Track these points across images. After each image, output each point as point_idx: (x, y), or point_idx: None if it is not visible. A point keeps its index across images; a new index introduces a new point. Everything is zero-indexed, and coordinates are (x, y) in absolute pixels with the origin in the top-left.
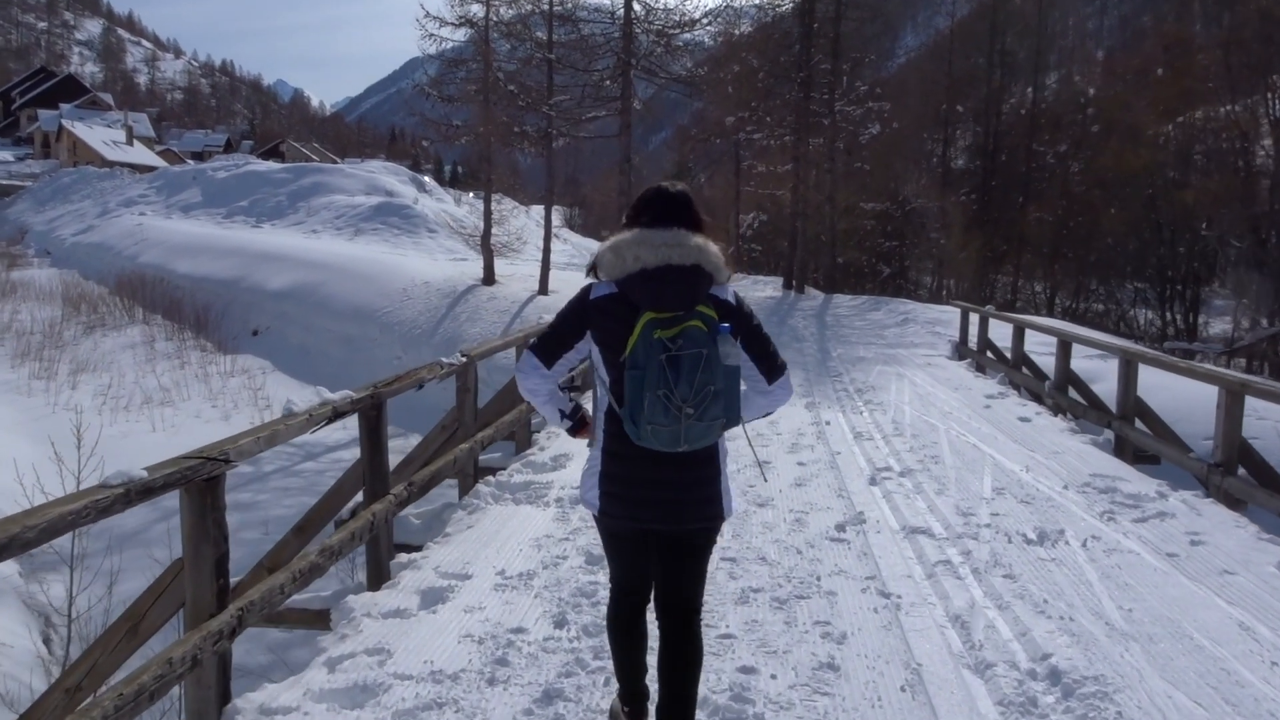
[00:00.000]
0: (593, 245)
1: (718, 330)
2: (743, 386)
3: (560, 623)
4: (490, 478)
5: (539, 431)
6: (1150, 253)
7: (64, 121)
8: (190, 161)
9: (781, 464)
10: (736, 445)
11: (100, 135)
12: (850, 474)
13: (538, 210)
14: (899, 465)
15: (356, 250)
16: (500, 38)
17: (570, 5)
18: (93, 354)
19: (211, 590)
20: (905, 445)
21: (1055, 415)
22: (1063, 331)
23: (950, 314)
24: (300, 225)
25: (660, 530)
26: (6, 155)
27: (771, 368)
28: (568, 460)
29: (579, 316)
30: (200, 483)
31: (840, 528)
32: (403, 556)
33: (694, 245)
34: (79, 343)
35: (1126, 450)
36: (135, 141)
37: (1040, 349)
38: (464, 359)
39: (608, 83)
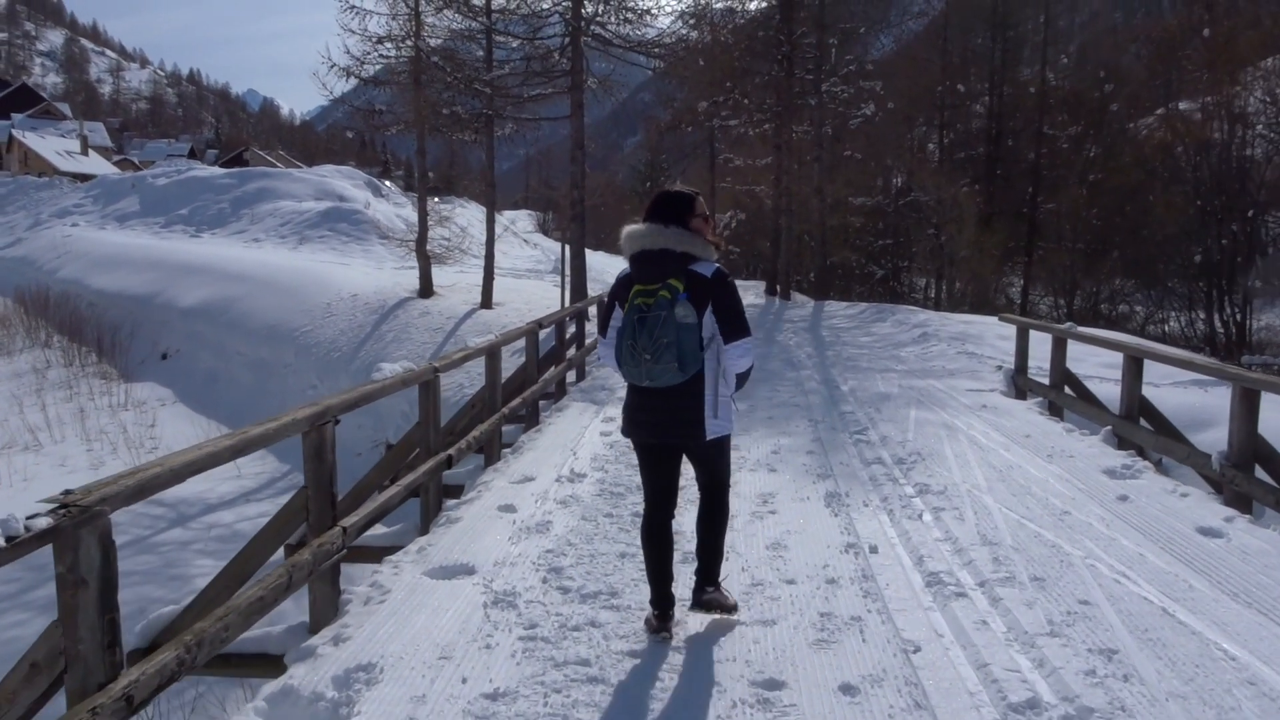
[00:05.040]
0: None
1: (679, 297)
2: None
3: None
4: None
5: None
6: (1196, 244)
7: (14, 131)
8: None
9: (807, 681)
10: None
11: (53, 145)
12: None
13: (511, 216)
14: (1053, 689)
15: (290, 260)
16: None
17: None
18: None
19: None
20: (1030, 611)
21: (1246, 511)
22: (1238, 375)
23: (979, 326)
24: (242, 234)
25: (656, 443)
26: None
27: (729, 331)
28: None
29: (612, 293)
30: None
31: None
32: None
33: (665, 233)
34: None
35: None
36: (90, 151)
37: (1108, 373)
38: (49, 522)
39: (555, 55)
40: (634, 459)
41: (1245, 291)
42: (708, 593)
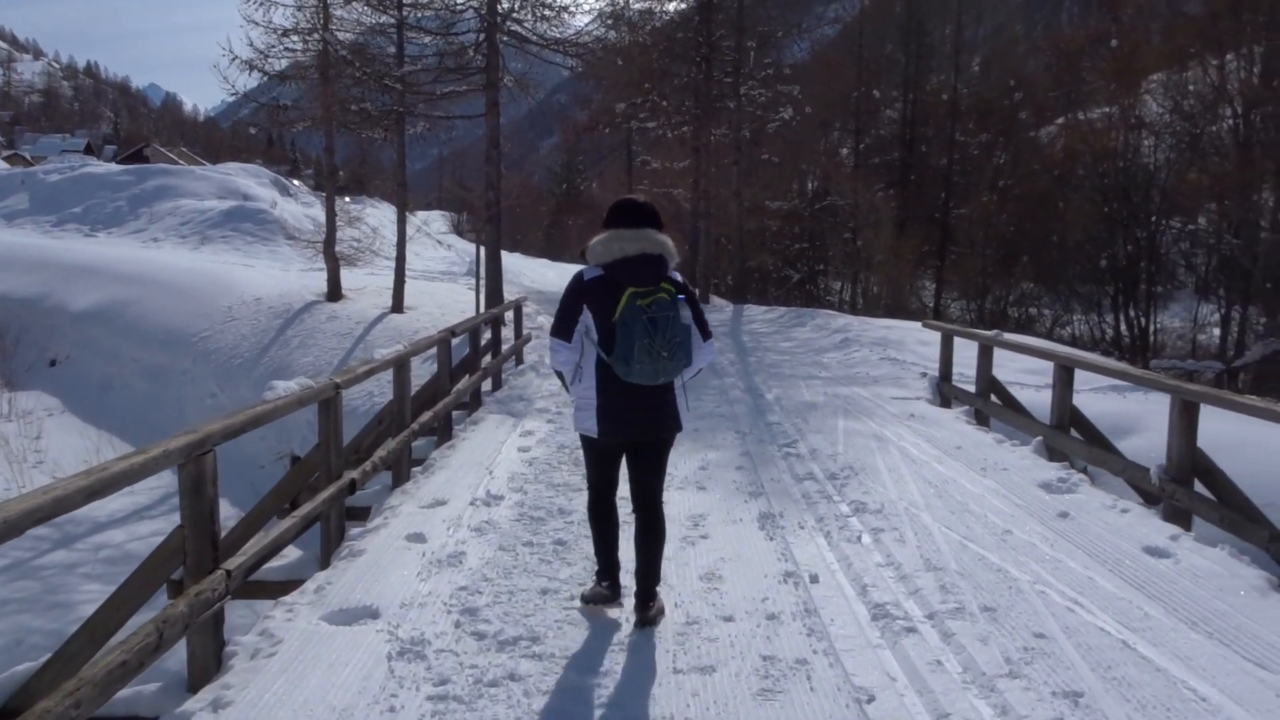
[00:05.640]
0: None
1: (677, 299)
2: None
3: None
4: None
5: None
6: (1102, 249)
7: None
8: None
9: None
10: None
11: None
12: None
13: (424, 216)
14: None
15: (191, 261)
16: None
17: None
18: None
19: None
20: (985, 647)
21: (1185, 527)
22: (1177, 387)
23: (899, 331)
24: (140, 234)
25: (639, 440)
26: None
27: (705, 331)
28: None
29: (576, 296)
30: None
31: None
32: None
33: (659, 240)
34: None
35: None
36: None
37: (1028, 379)
38: None
39: (470, 52)
40: (555, 479)
41: (1148, 295)
42: (650, 609)
